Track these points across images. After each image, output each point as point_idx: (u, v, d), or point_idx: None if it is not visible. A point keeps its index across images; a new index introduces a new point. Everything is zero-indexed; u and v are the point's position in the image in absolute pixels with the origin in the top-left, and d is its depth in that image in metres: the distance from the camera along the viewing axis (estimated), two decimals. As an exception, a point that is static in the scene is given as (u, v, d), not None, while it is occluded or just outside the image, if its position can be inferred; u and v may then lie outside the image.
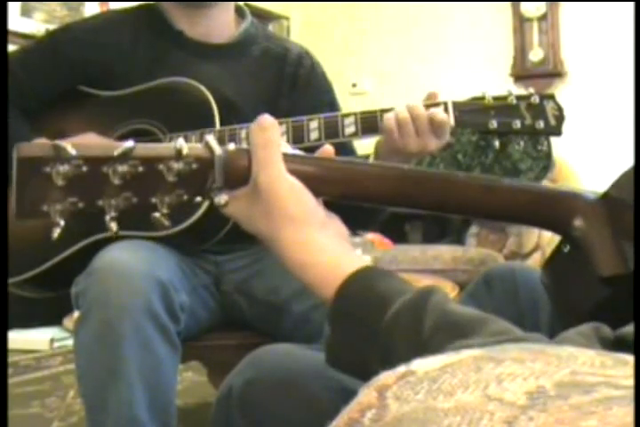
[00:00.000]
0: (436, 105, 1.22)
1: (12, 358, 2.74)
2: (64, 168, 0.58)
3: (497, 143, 1.23)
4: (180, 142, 0.62)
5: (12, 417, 1.98)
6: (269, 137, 0.66)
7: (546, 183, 3.50)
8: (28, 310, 2.71)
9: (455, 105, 1.22)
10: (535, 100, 1.20)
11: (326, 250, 0.64)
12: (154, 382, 1.15)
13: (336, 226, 0.68)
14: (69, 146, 0.58)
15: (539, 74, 4.16)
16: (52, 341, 3.03)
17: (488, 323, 0.52)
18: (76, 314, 1.22)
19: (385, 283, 0.60)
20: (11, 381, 2.44)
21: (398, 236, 3.60)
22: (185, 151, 0.62)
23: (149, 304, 1.14)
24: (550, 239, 3.21)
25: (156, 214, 0.63)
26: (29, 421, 2.09)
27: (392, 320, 0.56)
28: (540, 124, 1.19)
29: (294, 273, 0.65)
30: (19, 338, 2.93)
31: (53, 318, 3.07)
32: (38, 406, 2.22)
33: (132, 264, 1.18)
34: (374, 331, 0.56)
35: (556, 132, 1.20)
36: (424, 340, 0.52)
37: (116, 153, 0.60)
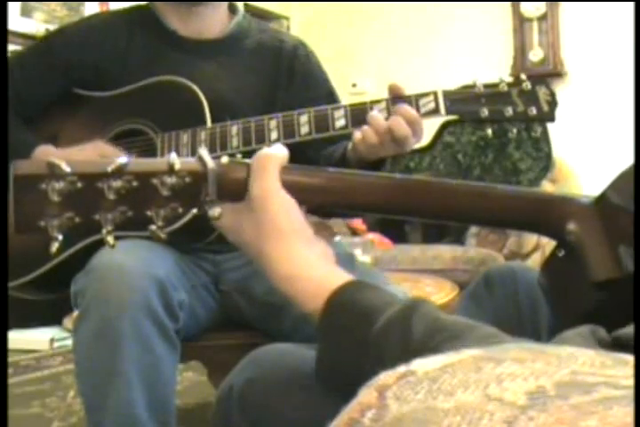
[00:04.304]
0: (426, 95, 1.21)
1: (12, 358, 2.74)
2: (59, 185, 0.60)
3: (489, 131, 1.22)
4: (173, 157, 0.63)
5: (11, 417, 1.98)
6: (269, 154, 0.67)
7: (546, 183, 3.50)
8: (28, 310, 2.71)
9: (445, 94, 1.21)
10: (527, 86, 1.19)
11: (313, 265, 0.64)
12: (153, 380, 1.16)
13: (322, 245, 0.68)
14: (64, 163, 0.60)
15: (539, 74, 4.16)
16: (52, 341, 3.03)
17: (477, 328, 0.53)
18: (75, 313, 1.22)
19: (372, 296, 0.60)
20: (11, 381, 2.45)
21: (398, 236, 3.60)
22: (177, 166, 0.63)
23: (148, 302, 1.14)
24: (550, 240, 3.21)
25: (152, 227, 0.64)
26: (29, 421, 2.09)
27: (381, 331, 0.56)
28: (533, 111, 1.18)
29: (280, 286, 0.65)
30: (19, 338, 2.93)
31: (53, 318, 3.07)
32: (38, 406, 2.22)
33: (130, 263, 1.18)
34: (364, 343, 0.56)
35: (549, 117, 1.19)
36: (412, 348, 0.52)
37: (109, 169, 0.61)
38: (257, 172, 0.66)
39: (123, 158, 0.62)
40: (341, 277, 0.63)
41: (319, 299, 0.61)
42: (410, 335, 0.53)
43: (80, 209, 0.61)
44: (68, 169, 0.60)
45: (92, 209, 0.62)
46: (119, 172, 0.61)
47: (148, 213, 0.63)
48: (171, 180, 0.63)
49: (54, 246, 0.62)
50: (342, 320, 0.60)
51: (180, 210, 0.64)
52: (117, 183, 0.61)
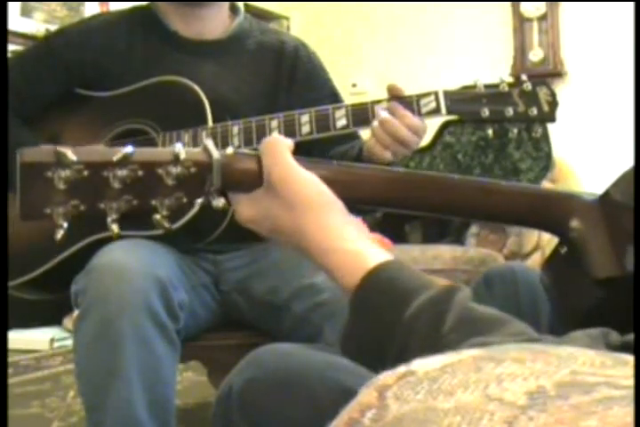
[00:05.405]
0: (427, 95, 1.21)
1: (12, 358, 2.74)
2: (65, 173, 0.61)
3: (490, 132, 1.22)
4: (178, 147, 0.64)
5: (11, 417, 1.98)
6: (278, 139, 0.68)
7: (546, 183, 3.50)
8: (28, 310, 2.71)
9: (446, 94, 1.21)
10: (527, 86, 1.19)
11: (350, 237, 0.63)
12: (153, 380, 1.16)
13: (356, 220, 0.68)
14: (70, 151, 0.60)
15: (539, 74, 4.16)
16: (52, 341, 3.03)
17: (507, 324, 0.52)
18: (75, 312, 1.22)
19: (409, 277, 0.60)
20: (11, 381, 2.44)
21: (398, 236, 3.60)
22: (182, 156, 0.63)
23: (148, 303, 1.14)
24: (550, 239, 3.21)
25: (157, 216, 0.65)
26: (29, 421, 2.09)
27: (414, 315, 0.55)
28: (534, 111, 1.18)
29: (316, 260, 0.64)
30: (19, 338, 2.93)
31: (53, 318, 3.07)
32: (38, 406, 2.21)
33: (131, 263, 1.18)
34: (394, 324, 0.56)
35: (550, 118, 1.19)
36: (442, 336, 0.52)
37: (115, 158, 0.62)
38: (270, 157, 0.66)
39: (128, 148, 0.62)
40: (378, 253, 0.62)
41: (355, 274, 0.60)
42: (441, 324, 0.53)
43: (85, 197, 0.62)
44: (74, 157, 0.60)
45: (97, 197, 0.62)
46: (125, 161, 0.62)
47: (153, 202, 0.64)
48: (176, 170, 0.63)
49: (59, 234, 0.62)
50: (376, 299, 0.59)
51: (185, 200, 0.65)
52: (123, 172, 0.62)
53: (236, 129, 1.29)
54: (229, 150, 0.67)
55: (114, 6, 3.38)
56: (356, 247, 0.63)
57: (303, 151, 0.70)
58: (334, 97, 1.47)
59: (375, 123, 1.20)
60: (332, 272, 0.63)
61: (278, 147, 0.67)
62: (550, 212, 0.70)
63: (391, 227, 3.60)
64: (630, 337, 0.46)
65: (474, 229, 3.53)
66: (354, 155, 1.31)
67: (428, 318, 0.54)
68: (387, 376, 0.32)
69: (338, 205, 0.66)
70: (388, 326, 0.57)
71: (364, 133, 1.32)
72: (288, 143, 0.68)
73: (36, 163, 0.61)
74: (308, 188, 0.65)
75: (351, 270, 0.61)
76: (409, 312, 0.56)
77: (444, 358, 0.32)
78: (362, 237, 0.65)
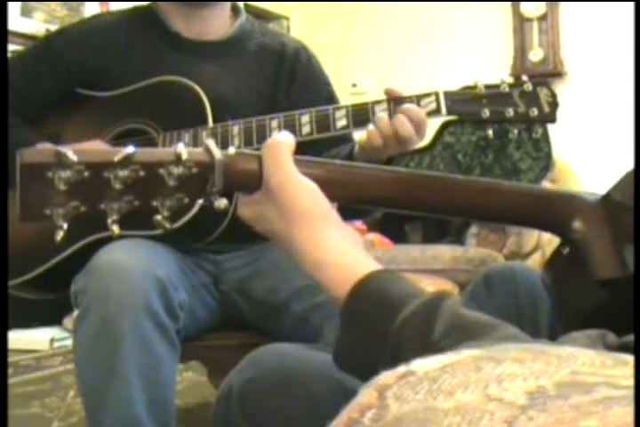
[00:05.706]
0: (427, 96, 1.21)
1: (12, 358, 2.74)
2: (66, 173, 0.60)
3: (490, 132, 1.22)
4: (180, 147, 0.63)
5: (11, 417, 1.98)
6: (280, 141, 0.67)
7: (546, 183, 3.50)
8: (28, 310, 2.71)
9: (446, 94, 1.21)
10: (528, 87, 1.18)
11: (341, 250, 0.64)
12: (153, 380, 1.16)
13: (351, 229, 0.68)
14: (71, 152, 0.60)
15: (539, 74, 4.16)
16: (52, 341, 3.03)
17: (499, 328, 0.52)
18: (75, 312, 1.22)
19: (399, 286, 0.60)
20: (11, 381, 2.44)
21: (398, 236, 3.60)
22: (184, 156, 0.63)
23: (148, 303, 1.14)
24: (550, 239, 3.21)
25: (158, 217, 0.64)
26: (29, 421, 2.09)
27: (404, 323, 0.55)
28: (534, 112, 1.18)
29: (307, 271, 0.65)
30: (19, 338, 2.93)
31: (53, 318, 3.07)
32: (38, 406, 2.21)
33: (131, 262, 1.18)
34: (385, 333, 0.56)
35: (551, 119, 1.19)
36: (433, 342, 0.52)
37: (116, 159, 0.61)
38: (270, 161, 0.66)
39: (130, 148, 0.62)
40: (370, 264, 0.63)
41: (346, 286, 0.60)
42: (431, 330, 0.53)
43: (86, 198, 0.62)
44: (74, 158, 0.60)
45: (97, 198, 0.62)
46: (126, 161, 0.61)
47: (154, 203, 0.64)
48: (177, 170, 0.63)
49: (59, 235, 0.62)
50: (366, 308, 0.59)
51: (186, 200, 0.65)
52: (124, 173, 0.61)
53: (236, 129, 1.29)
54: (231, 150, 0.67)
55: (114, 6, 3.38)
56: (348, 260, 0.63)
57: (300, 152, 0.69)
58: (332, 100, 1.47)
59: (384, 121, 1.18)
60: (323, 284, 0.64)
61: (279, 151, 0.66)
62: (552, 212, 0.70)
63: (391, 227, 3.60)
64: (628, 338, 0.46)
65: (474, 229, 3.53)
66: (346, 154, 1.31)
67: (417, 325, 0.54)
68: (387, 376, 0.32)
69: (333, 217, 0.66)
70: (379, 336, 0.57)
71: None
72: (290, 142, 0.67)
73: (36, 163, 0.60)
74: (304, 198, 0.65)
75: (342, 282, 0.61)
76: (399, 321, 0.56)
77: (444, 358, 0.32)
78: (354, 249, 0.65)
